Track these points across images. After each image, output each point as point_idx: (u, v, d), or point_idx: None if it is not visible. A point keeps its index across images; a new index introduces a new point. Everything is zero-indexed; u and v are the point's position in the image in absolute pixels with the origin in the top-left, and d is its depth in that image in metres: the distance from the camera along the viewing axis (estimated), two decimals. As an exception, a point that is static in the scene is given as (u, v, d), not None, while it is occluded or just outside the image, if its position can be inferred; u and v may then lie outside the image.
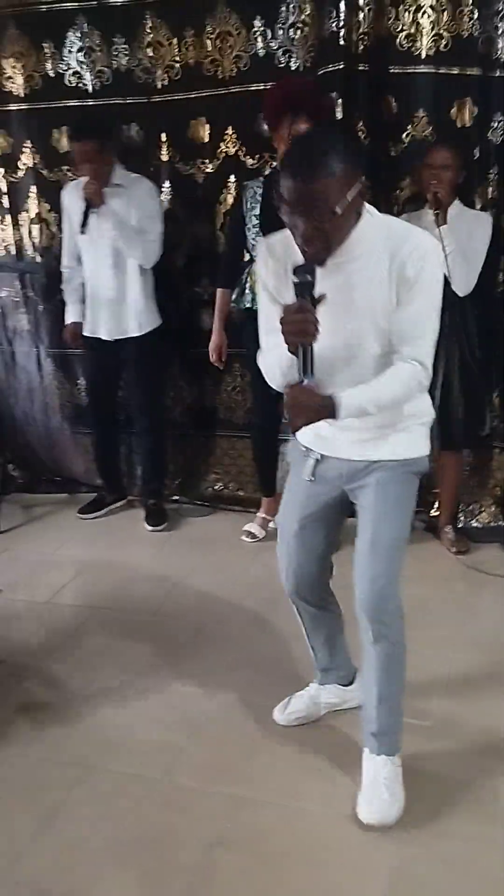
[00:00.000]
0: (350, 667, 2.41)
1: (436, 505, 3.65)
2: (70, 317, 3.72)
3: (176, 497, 4.04)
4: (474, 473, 3.66)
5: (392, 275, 1.81)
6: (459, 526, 3.61)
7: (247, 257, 3.31)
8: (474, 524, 3.65)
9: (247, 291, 3.30)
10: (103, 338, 3.64)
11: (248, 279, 3.29)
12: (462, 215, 3.17)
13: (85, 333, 3.69)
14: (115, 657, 2.78)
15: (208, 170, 3.61)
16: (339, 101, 3.33)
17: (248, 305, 3.29)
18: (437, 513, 3.63)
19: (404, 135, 3.38)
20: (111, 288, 3.55)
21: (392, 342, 1.87)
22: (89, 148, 3.33)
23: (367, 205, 1.85)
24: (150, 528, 3.79)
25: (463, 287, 3.13)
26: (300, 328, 1.75)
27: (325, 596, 2.30)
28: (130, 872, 1.91)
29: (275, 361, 1.91)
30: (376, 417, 1.92)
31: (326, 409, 1.84)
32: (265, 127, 3.29)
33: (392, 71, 3.31)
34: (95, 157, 3.35)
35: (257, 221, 3.25)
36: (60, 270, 3.71)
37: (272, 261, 1.91)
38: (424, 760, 2.22)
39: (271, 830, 2.02)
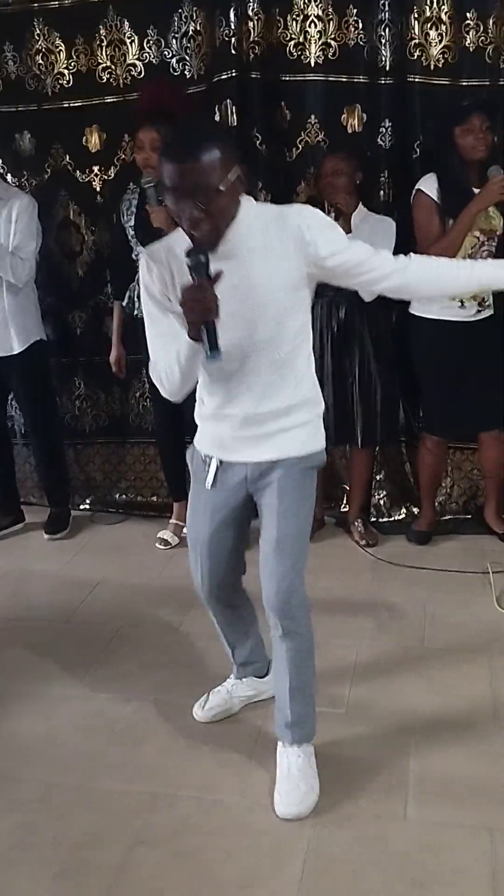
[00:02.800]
0: (265, 658, 2.46)
1: (345, 500, 3.74)
2: None
3: (88, 505, 4.03)
4: (382, 468, 3.77)
5: (289, 248, 1.85)
6: (371, 520, 3.72)
7: (132, 266, 3.34)
8: (382, 518, 3.76)
9: (136, 299, 3.34)
10: None
11: (137, 286, 3.32)
12: (366, 220, 3.23)
13: None
14: (30, 667, 2.77)
15: (107, 177, 3.62)
16: (234, 108, 3.39)
17: (137, 313, 3.33)
18: (347, 508, 3.72)
19: (298, 140, 3.46)
20: None
21: (362, 279, 1.93)
22: None
23: (244, 194, 1.90)
24: (47, 536, 3.76)
25: (367, 294, 3.21)
26: (201, 306, 1.76)
27: (238, 595, 2.34)
28: (47, 875, 1.91)
29: (170, 364, 1.92)
30: (274, 413, 1.99)
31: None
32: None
33: (284, 79, 3.40)
34: None
35: (133, 233, 3.28)
36: None
37: (156, 266, 1.91)
38: (338, 746, 2.30)
39: (189, 824, 2.05)
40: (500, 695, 2.50)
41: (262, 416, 2.00)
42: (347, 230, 3.12)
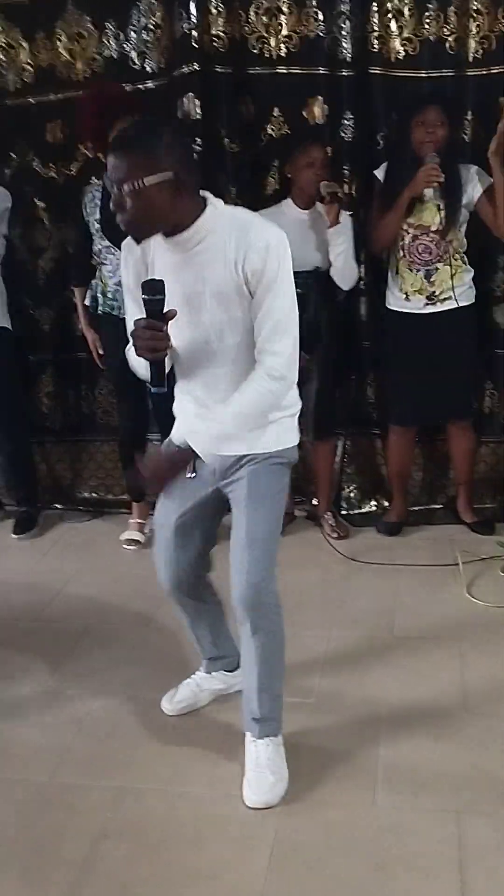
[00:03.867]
0: (235, 652, 2.43)
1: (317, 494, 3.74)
2: None
3: (57, 504, 4.00)
4: (353, 461, 3.77)
5: (238, 265, 1.85)
6: (342, 513, 3.71)
7: (94, 261, 3.34)
8: (353, 511, 3.76)
9: (98, 296, 3.33)
10: None
11: (100, 284, 3.31)
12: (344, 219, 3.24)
13: None
14: (-3, 665, 2.74)
15: (69, 171, 3.60)
16: (198, 101, 3.38)
17: (101, 310, 3.32)
18: (318, 504, 3.72)
19: (262, 133, 3.45)
20: None
21: (256, 340, 1.91)
22: None
23: (211, 198, 1.90)
24: (15, 536, 3.73)
25: (348, 283, 3.25)
26: (150, 345, 1.81)
27: (204, 590, 2.33)
28: (11, 871, 1.89)
29: (138, 359, 1.93)
30: None
31: (185, 462, 1.96)
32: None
33: (247, 72, 3.39)
34: None
35: (98, 227, 3.26)
36: None
37: (131, 257, 1.96)
38: (306, 736, 2.29)
39: (155, 817, 2.04)
40: (469, 682, 2.50)
41: None
42: (337, 221, 3.11)
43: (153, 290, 1.80)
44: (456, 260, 3.21)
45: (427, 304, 3.23)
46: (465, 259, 3.26)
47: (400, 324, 3.30)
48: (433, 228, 3.16)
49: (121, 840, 1.97)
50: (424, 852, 1.88)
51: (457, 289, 3.21)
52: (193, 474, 2.08)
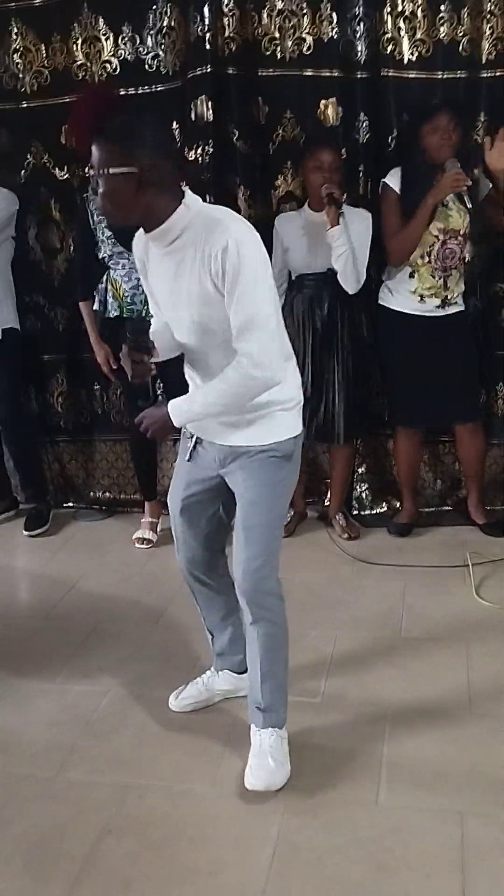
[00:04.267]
0: (244, 653, 2.43)
1: (328, 494, 3.74)
2: None
3: (71, 503, 4.03)
4: (364, 461, 3.77)
5: (204, 265, 1.87)
6: (354, 513, 3.71)
7: (100, 267, 3.37)
8: (364, 511, 3.76)
9: (109, 300, 3.35)
10: None
11: (109, 288, 3.34)
12: (348, 213, 3.24)
13: None
14: (6, 662, 2.76)
15: (84, 174, 3.61)
16: (209, 104, 3.39)
17: (112, 315, 3.35)
18: (329, 502, 3.72)
19: (274, 135, 3.47)
20: None
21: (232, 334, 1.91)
22: None
23: (188, 196, 1.93)
24: (27, 533, 3.76)
25: (353, 285, 3.22)
26: (135, 373, 2.00)
27: (217, 577, 2.35)
28: (15, 865, 1.91)
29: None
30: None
31: (166, 419, 2.04)
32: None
33: (259, 74, 3.40)
34: None
35: (110, 233, 3.28)
36: None
37: (137, 253, 2.09)
38: (311, 735, 2.30)
39: (158, 814, 2.05)
40: (475, 682, 2.50)
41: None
42: (337, 222, 3.12)
43: (136, 331, 1.98)
44: (463, 263, 3.23)
45: (438, 308, 3.24)
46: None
47: (408, 326, 3.29)
48: (462, 232, 3.16)
49: (123, 836, 1.98)
50: (426, 852, 1.88)
51: (458, 292, 3.26)
52: (189, 459, 2.18)
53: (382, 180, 3.24)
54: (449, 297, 3.23)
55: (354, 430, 3.50)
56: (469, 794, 2.05)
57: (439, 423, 3.52)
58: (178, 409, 2.01)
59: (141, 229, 2.00)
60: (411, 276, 3.25)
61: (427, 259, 3.20)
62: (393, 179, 3.21)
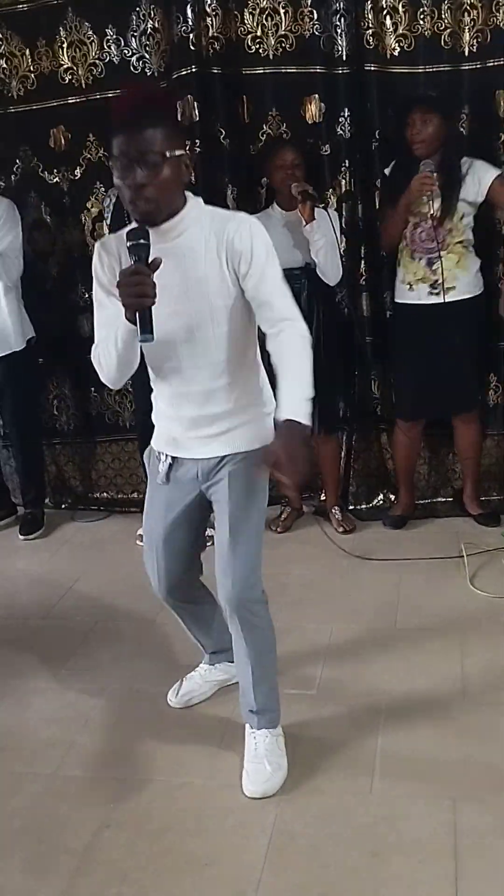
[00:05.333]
0: None
1: (323, 489, 3.76)
2: None
3: (68, 504, 4.06)
4: (359, 455, 3.79)
5: (222, 255, 1.88)
6: (349, 507, 3.73)
7: None
8: (360, 505, 3.78)
9: None
10: None
11: None
12: (320, 214, 3.26)
13: None
14: (4, 663, 2.79)
15: (73, 177, 3.65)
16: (196, 104, 3.42)
17: None
18: (324, 497, 3.74)
19: (260, 133, 3.49)
20: None
21: (259, 313, 1.93)
22: None
23: (191, 194, 1.93)
24: (21, 537, 3.79)
25: (333, 278, 3.26)
26: (138, 290, 1.77)
27: (197, 592, 2.35)
28: (14, 860, 1.94)
29: (108, 348, 1.92)
30: (219, 415, 2.02)
31: (302, 434, 1.81)
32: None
33: (244, 72, 3.42)
34: None
35: (108, 231, 3.31)
36: None
37: (106, 256, 1.94)
38: (306, 726, 2.33)
39: (156, 807, 2.08)
40: (469, 672, 2.52)
41: (207, 417, 2.02)
42: (312, 217, 3.14)
43: (138, 236, 1.80)
44: (462, 248, 3.23)
45: (430, 294, 3.23)
46: (473, 250, 3.26)
47: (405, 316, 3.33)
48: (429, 213, 3.16)
49: (122, 830, 2.01)
50: (420, 839, 1.91)
51: (461, 279, 3.23)
52: (166, 482, 2.10)
53: (384, 171, 3.34)
54: (439, 281, 3.20)
55: (335, 422, 3.51)
56: (462, 781, 2.07)
57: (438, 415, 3.53)
58: (299, 411, 1.81)
59: (105, 237, 1.99)
60: (400, 264, 3.30)
61: (405, 242, 3.25)
62: (388, 169, 3.31)
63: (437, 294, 3.22)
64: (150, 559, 2.23)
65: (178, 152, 1.82)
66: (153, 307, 1.78)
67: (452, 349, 3.30)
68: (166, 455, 2.11)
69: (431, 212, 3.14)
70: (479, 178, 3.17)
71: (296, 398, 1.84)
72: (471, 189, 3.17)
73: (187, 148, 1.88)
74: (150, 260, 1.80)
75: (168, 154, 1.79)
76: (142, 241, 1.80)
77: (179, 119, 1.88)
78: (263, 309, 1.93)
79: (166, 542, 2.17)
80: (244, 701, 2.19)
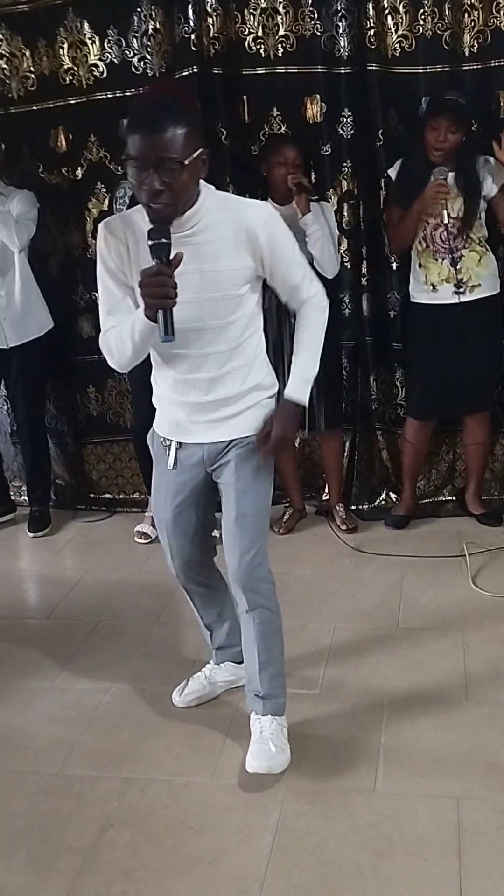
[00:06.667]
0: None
1: (326, 488, 3.77)
2: None
3: (71, 503, 4.06)
4: (362, 455, 3.79)
5: (241, 244, 1.90)
6: (352, 507, 3.73)
7: None
8: (362, 504, 3.78)
9: None
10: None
11: None
12: (314, 207, 3.28)
13: None
14: (9, 662, 2.80)
15: (74, 178, 3.65)
16: (197, 104, 3.40)
17: None
18: (328, 496, 3.75)
19: (262, 133, 3.49)
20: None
21: (283, 294, 2.06)
22: None
23: (204, 183, 1.92)
24: (31, 534, 3.81)
25: (331, 270, 3.26)
26: (160, 292, 1.78)
27: (211, 575, 2.38)
28: (18, 859, 1.94)
29: (123, 337, 1.93)
30: (225, 401, 2.05)
31: (296, 414, 2.07)
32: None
33: (245, 73, 3.43)
34: None
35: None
36: None
37: (113, 240, 1.93)
38: (310, 725, 2.33)
39: (159, 806, 2.08)
40: (471, 670, 2.53)
41: (213, 403, 2.05)
42: (307, 209, 3.17)
43: (160, 234, 1.79)
44: (480, 246, 3.23)
45: (455, 293, 3.21)
46: (488, 246, 3.27)
47: (425, 317, 3.30)
48: (453, 216, 3.16)
49: (125, 828, 2.01)
50: (423, 837, 1.91)
51: (484, 276, 3.23)
52: (175, 467, 2.13)
53: (387, 171, 3.32)
54: (464, 280, 3.20)
55: (337, 418, 3.52)
56: (465, 778, 2.08)
57: (454, 414, 3.53)
58: (300, 390, 2.06)
59: (110, 218, 1.99)
60: (420, 266, 3.27)
61: (425, 244, 3.22)
62: (393, 171, 3.28)
63: (462, 293, 3.22)
64: (163, 541, 2.28)
65: (196, 153, 1.81)
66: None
67: (472, 348, 3.29)
68: (171, 440, 2.13)
69: (446, 220, 3.12)
70: (491, 179, 3.18)
71: (299, 379, 2.06)
72: (485, 185, 3.19)
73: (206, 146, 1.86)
74: (171, 257, 1.80)
75: (187, 161, 1.78)
76: (163, 240, 1.80)
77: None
78: (291, 293, 2.06)
79: (175, 523, 2.21)
80: (250, 686, 2.20)
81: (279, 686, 2.20)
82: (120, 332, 1.94)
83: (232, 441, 2.09)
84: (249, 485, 2.09)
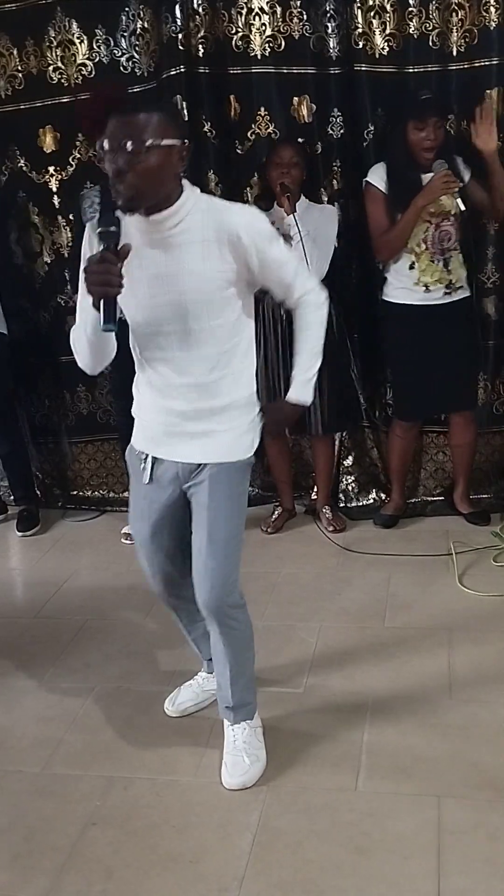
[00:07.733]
0: None
1: (315, 488, 3.77)
2: None
3: (61, 502, 4.07)
4: (350, 454, 3.80)
5: (224, 248, 1.87)
6: (340, 506, 3.74)
7: None
8: (351, 504, 3.79)
9: None
10: None
11: None
12: (309, 210, 3.29)
13: None
14: (-5, 661, 2.80)
15: (63, 177, 3.65)
16: (184, 103, 3.42)
17: None
18: (316, 496, 3.75)
19: (249, 133, 3.49)
20: None
21: (279, 294, 2.05)
22: None
23: (187, 182, 1.92)
24: (19, 533, 3.82)
25: (316, 273, 3.24)
26: (103, 279, 1.75)
27: (192, 589, 2.34)
28: (1, 858, 1.95)
29: (79, 331, 1.93)
30: (207, 411, 2.00)
31: (297, 414, 2.13)
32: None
33: (232, 72, 3.43)
34: None
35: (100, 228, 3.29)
36: None
37: (96, 240, 1.90)
38: (292, 723, 2.34)
39: (142, 805, 2.09)
40: (456, 669, 2.53)
41: (196, 412, 2.00)
42: (293, 209, 3.18)
43: (109, 222, 1.79)
44: (461, 247, 3.24)
45: (446, 294, 3.23)
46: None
47: (413, 318, 3.28)
48: (453, 212, 3.16)
49: (108, 827, 2.02)
50: (403, 835, 1.92)
51: (463, 276, 3.26)
52: (150, 481, 2.08)
53: (365, 179, 3.25)
54: (453, 280, 3.22)
55: (332, 421, 3.52)
56: (447, 777, 2.08)
57: (439, 413, 3.54)
58: (301, 390, 2.10)
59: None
60: (411, 267, 3.24)
61: (424, 246, 3.21)
62: (376, 177, 3.22)
63: (450, 293, 3.24)
64: (142, 557, 2.23)
65: (167, 142, 1.79)
66: (140, 296, 1.82)
67: (457, 347, 3.31)
68: (147, 455, 2.09)
69: (462, 207, 3.09)
70: (465, 167, 3.21)
71: (300, 381, 2.11)
72: (465, 177, 3.20)
73: (183, 141, 1.85)
74: (118, 247, 1.78)
75: (153, 142, 1.77)
76: (112, 228, 1.79)
77: (177, 112, 1.88)
78: (286, 291, 2.05)
79: (153, 541, 2.16)
80: (221, 696, 2.20)
81: (250, 693, 2.20)
82: (80, 327, 1.92)
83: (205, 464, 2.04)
84: (222, 506, 2.02)
